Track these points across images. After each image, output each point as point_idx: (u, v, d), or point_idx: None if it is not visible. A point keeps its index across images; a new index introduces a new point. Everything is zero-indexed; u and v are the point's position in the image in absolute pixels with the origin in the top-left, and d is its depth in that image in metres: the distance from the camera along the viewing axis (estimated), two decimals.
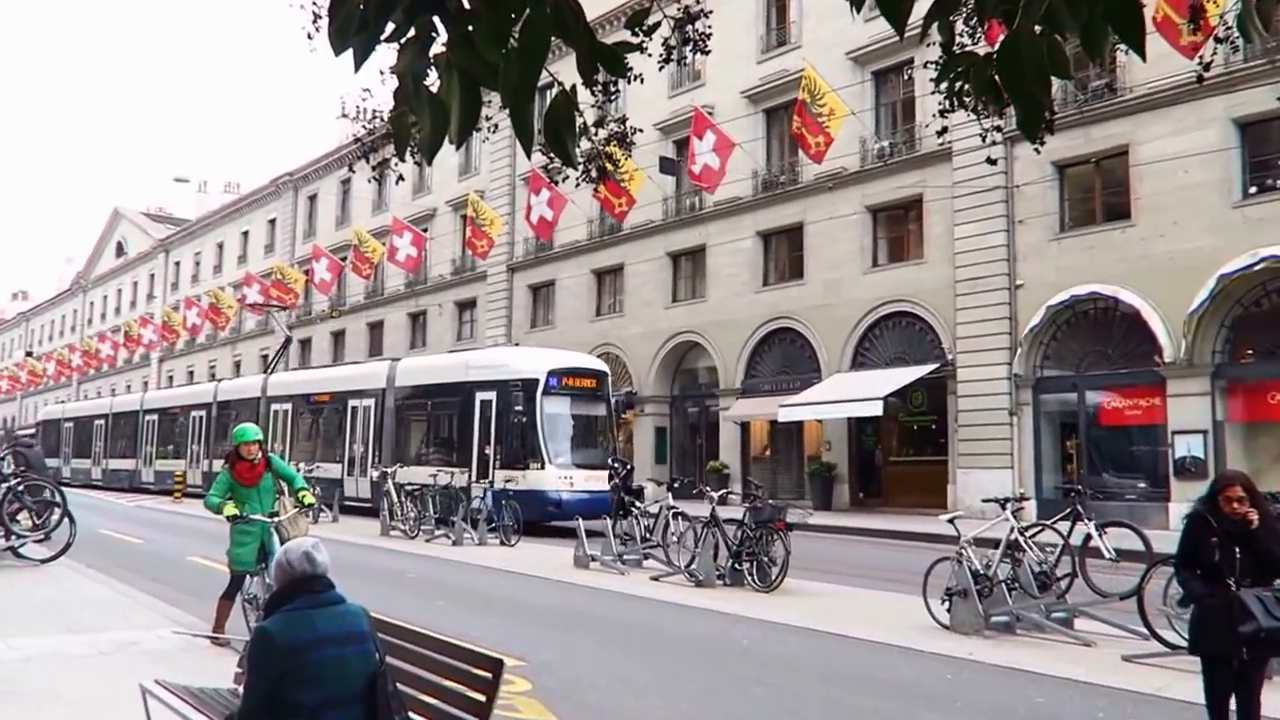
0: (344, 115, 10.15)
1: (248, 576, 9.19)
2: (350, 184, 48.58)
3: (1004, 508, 10.79)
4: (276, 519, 9.17)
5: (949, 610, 10.02)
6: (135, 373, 69.95)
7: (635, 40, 3.57)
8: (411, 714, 4.23)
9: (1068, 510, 11.40)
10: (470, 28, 2.54)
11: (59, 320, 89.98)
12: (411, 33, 2.63)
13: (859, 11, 2.99)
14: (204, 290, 56.60)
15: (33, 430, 61.67)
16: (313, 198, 53.75)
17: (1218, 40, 9.36)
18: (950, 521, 10.79)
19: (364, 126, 9.16)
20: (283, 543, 8.56)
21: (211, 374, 58.03)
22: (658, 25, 6.21)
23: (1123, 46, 2.72)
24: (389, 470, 22.49)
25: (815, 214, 28.13)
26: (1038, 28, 2.54)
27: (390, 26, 2.61)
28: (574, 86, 2.80)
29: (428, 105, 2.63)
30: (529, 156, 3.13)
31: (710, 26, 7.95)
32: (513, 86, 2.52)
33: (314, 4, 7.79)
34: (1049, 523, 11.94)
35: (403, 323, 45.36)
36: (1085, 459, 22.51)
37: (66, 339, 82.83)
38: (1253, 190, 20.37)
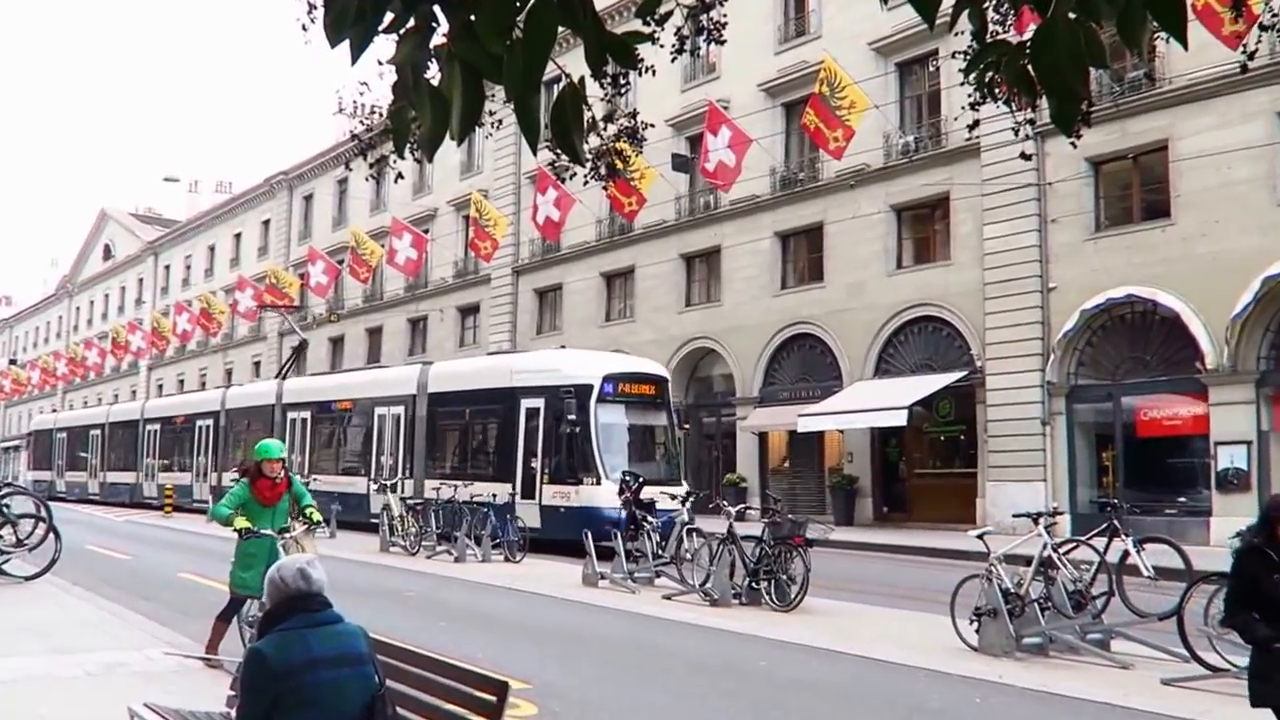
0: (341, 111, 10.19)
1: (249, 600, 9.04)
2: (347, 183, 48.71)
3: (1036, 523, 10.74)
4: (286, 535, 9.06)
5: (978, 631, 9.98)
6: (123, 381, 70.24)
7: (646, 30, 3.57)
8: None
9: (1104, 526, 11.36)
10: (473, 17, 2.53)
11: (43, 327, 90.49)
12: (411, 22, 2.62)
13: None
14: (195, 295, 56.78)
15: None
16: (308, 198, 53.95)
17: (1263, 28, 9.29)
18: (979, 537, 10.75)
19: (361, 122, 9.18)
20: None
21: (202, 382, 58.31)
22: (670, 14, 6.20)
23: (1162, 35, 2.70)
24: (388, 483, 22.49)
25: (836, 213, 28.10)
26: (1073, 14, 2.52)
27: (389, 16, 2.61)
28: (582, 79, 2.79)
29: (428, 99, 2.62)
30: (535, 153, 3.13)
31: (725, 15, 7.94)
32: (517, 79, 2.52)
33: None
34: (1084, 539, 11.92)
35: (402, 328, 45.46)
36: (1122, 471, 22.40)
37: (51, 346, 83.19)
38: None
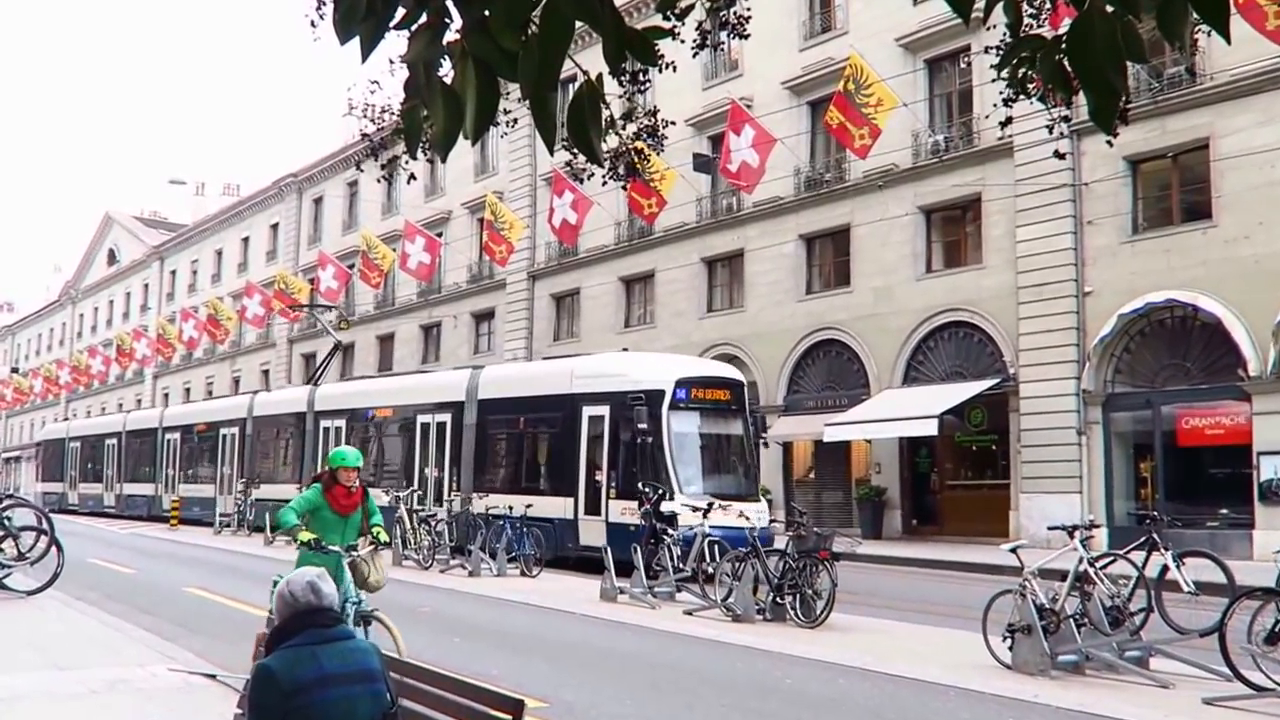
0: (351, 110, 10.21)
1: None
2: (358, 185, 48.97)
3: (1072, 536, 10.68)
4: (355, 553, 8.50)
5: (1011, 648, 9.93)
6: (128, 390, 70.70)
7: (667, 25, 3.57)
8: None
9: (1142, 539, 11.30)
10: (487, 12, 2.54)
11: (46, 334, 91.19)
12: (423, 18, 2.63)
13: None
14: (201, 301, 57.12)
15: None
16: (318, 200, 54.23)
17: None
18: (1012, 551, 10.70)
19: (372, 122, 9.21)
20: (359, 582, 8.37)
21: (209, 391, 58.53)
22: (691, 8, 6.21)
23: (1204, 28, 2.68)
24: (401, 495, 22.49)
25: (863, 215, 28.06)
26: (1110, 7, 2.51)
27: (400, 12, 2.62)
28: (600, 76, 2.80)
29: (441, 98, 2.63)
30: (551, 153, 3.13)
31: (749, 9, 7.94)
32: (533, 76, 2.52)
33: None
34: (1122, 552, 11.86)
35: (415, 335, 45.62)
36: (1161, 483, 22.27)
37: (54, 354, 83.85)
38: None
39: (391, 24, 2.62)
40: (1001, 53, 3.52)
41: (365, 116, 9.40)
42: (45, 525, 15.32)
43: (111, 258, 79.68)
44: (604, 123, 2.84)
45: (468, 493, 22.37)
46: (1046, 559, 10.74)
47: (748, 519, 15.04)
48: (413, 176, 8.84)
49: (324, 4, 7.03)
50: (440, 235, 40.43)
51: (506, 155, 40.45)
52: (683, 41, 4.95)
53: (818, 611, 12.58)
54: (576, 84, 2.72)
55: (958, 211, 26.95)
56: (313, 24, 7.28)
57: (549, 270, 38.89)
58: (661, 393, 19.87)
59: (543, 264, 39.13)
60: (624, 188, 9.75)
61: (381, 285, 42.15)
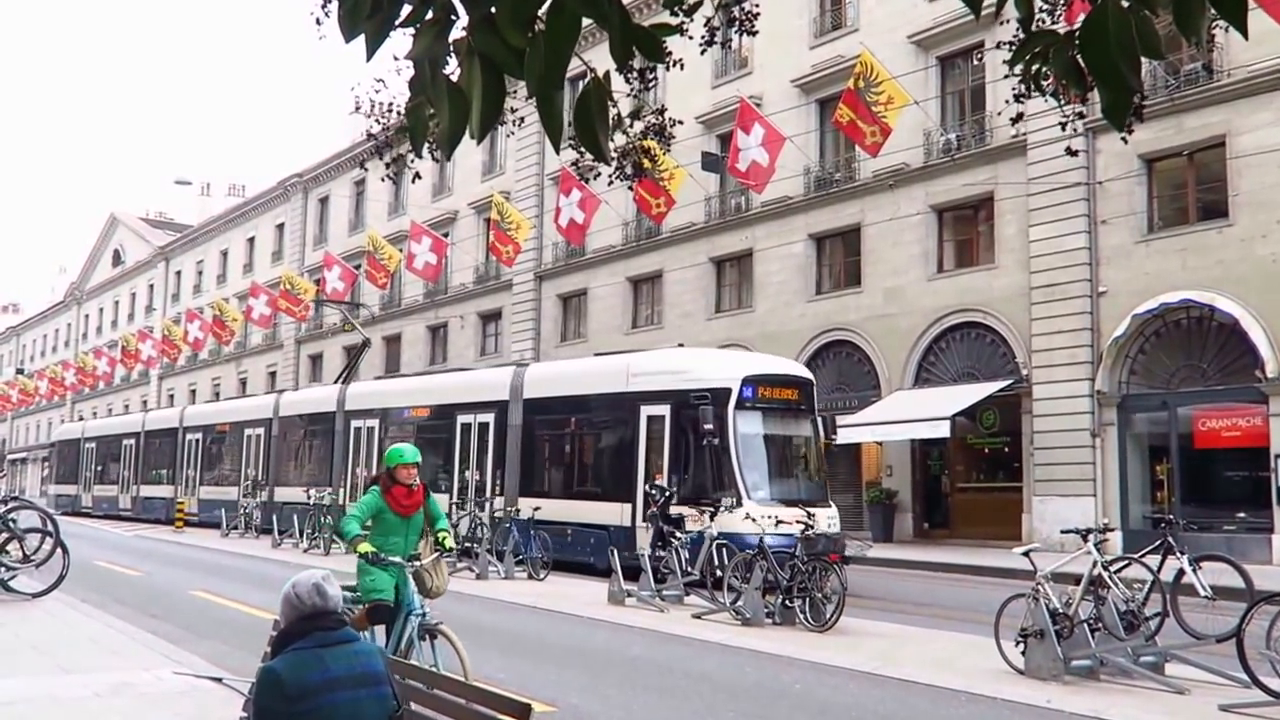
0: (357, 109, 10.22)
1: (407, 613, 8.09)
2: (364, 185, 49.04)
3: (1086, 539, 10.66)
4: (417, 563, 8.01)
5: (1024, 653, 9.91)
6: (134, 391, 70.92)
7: (675, 21, 3.56)
8: None
9: (1158, 542, 11.26)
10: (493, 9, 2.53)
11: (52, 335, 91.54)
12: (429, 15, 2.63)
13: None
14: (207, 301, 57.19)
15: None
16: (324, 200, 54.32)
17: None
18: (1025, 554, 10.68)
19: (378, 120, 9.21)
20: (423, 592, 7.90)
21: (215, 392, 58.66)
22: (700, 4, 6.20)
23: (1221, 24, 2.67)
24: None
25: (874, 215, 28.04)
26: (1125, 2, 2.50)
27: (406, 9, 2.62)
28: (607, 74, 2.79)
29: (447, 95, 2.62)
30: (558, 152, 3.13)
31: (758, 6, 7.93)
32: (540, 74, 2.51)
33: None
34: (1136, 556, 11.81)
35: (421, 336, 45.68)
36: (1177, 485, 22.21)
37: (60, 355, 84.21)
38: None
39: (397, 21, 2.62)
40: (1015, 48, 3.50)
41: (370, 115, 9.41)
42: (50, 527, 15.37)
43: (117, 258, 79.95)
44: (611, 121, 2.84)
45: (513, 497, 21.68)
46: (1060, 563, 10.70)
47: (811, 525, 14.17)
48: (418, 175, 8.85)
49: (329, 1, 7.03)
50: (447, 235, 40.49)
51: (513, 155, 40.49)
52: (691, 38, 4.93)
53: (828, 615, 12.57)
54: (584, 82, 2.71)
55: (970, 210, 26.91)
56: (318, 22, 7.28)
57: (556, 270, 38.92)
58: (728, 391, 18.78)
59: (550, 264, 39.17)
60: (630, 187, 9.73)
61: (388, 286, 42.20)
